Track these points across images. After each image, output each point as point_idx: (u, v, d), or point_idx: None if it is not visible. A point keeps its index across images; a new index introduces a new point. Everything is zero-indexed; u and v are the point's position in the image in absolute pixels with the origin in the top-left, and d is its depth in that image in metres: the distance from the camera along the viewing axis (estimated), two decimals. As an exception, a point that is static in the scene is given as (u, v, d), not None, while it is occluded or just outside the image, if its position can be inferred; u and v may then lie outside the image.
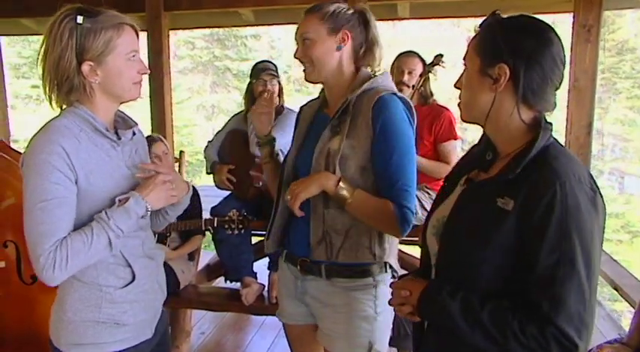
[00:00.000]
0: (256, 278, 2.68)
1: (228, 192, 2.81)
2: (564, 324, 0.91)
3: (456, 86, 1.10)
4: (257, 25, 4.29)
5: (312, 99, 1.62)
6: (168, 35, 3.66)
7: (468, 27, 9.87)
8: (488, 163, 1.10)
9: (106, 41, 1.18)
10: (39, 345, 1.35)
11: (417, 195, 2.57)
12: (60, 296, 1.28)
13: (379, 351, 1.47)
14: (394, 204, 1.37)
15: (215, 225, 2.34)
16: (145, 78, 1.30)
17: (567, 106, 3.07)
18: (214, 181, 2.85)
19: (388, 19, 3.68)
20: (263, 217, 2.28)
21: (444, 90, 2.65)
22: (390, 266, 1.48)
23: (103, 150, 1.24)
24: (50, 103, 1.24)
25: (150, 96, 3.65)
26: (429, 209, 1.24)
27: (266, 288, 2.69)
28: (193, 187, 2.76)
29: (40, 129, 1.21)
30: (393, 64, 2.79)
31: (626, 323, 2.17)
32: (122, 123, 1.34)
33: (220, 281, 2.97)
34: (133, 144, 1.34)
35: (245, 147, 2.71)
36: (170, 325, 2.79)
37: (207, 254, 3.47)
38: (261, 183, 2.66)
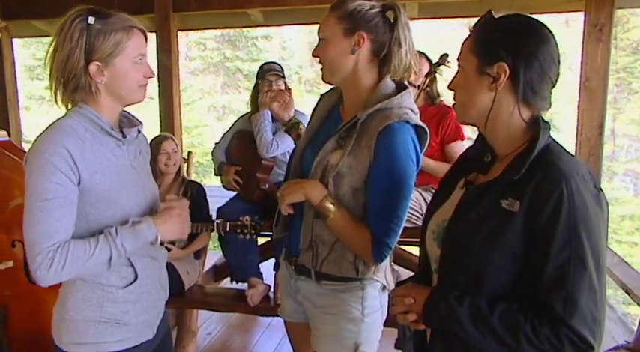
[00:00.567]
0: (262, 279, 2.68)
1: (234, 193, 2.82)
2: (578, 325, 0.90)
3: (449, 87, 1.08)
4: (266, 26, 4.30)
5: (334, 88, 1.52)
6: (177, 36, 3.68)
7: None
8: (486, 165, 1.08)
9: (115, 43, 1.19)
10: (46, 344, 1.36)
11: (422, 195, 2.56)
12: (62, 295, 1.29)
13: None
14: (374, 238, 1.33)
15: (227, 229, 2.34)
16: (154, 79, 1.31)
17: (578, 106, 3.03)
18: (221, 182, 2.87)
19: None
20: (269, 218, 2.28)
21: (448, 90, 2.62)
22: (379, 282, 1.44)
23: (109, 149, 1.25)
24: (55, 100, 1.25)
25: (159, 97, 3.67)
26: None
27: (272, 289, 2.68)
28: (201, 187, 2.79)
29: (46, 128, 1.22)
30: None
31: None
32: (127, 122, 1.36)
33: (227, 282, 2.98)
34: (137, 143, 1.35)
35: (252, 147, 2.70)
36: (177, 325, 2.81)
37: (214, 255, 3.48)
38: (267, 186, 2.67)
